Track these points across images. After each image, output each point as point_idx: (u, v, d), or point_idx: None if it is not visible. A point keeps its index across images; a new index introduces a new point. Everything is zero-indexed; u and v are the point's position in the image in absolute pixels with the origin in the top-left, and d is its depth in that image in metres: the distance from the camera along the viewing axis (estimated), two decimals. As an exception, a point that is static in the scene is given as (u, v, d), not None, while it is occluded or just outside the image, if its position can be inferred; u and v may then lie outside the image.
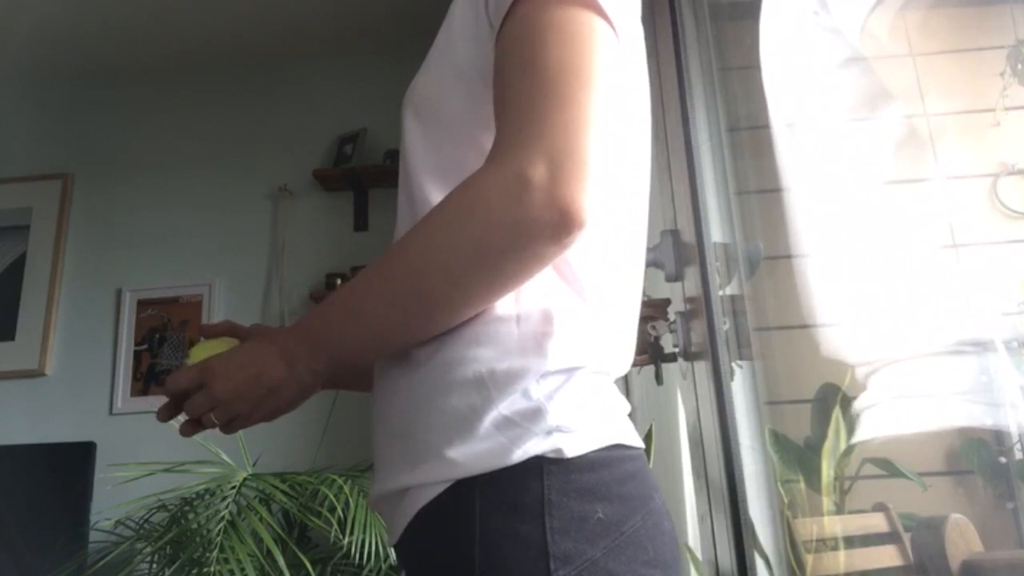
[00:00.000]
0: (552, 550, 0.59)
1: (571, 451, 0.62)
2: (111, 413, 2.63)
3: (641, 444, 0.70)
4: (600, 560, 0.60)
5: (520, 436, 0.62)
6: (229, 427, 0.75)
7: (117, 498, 2.13)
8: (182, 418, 0.77)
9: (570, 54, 0.63)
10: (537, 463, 0.61)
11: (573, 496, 0.61)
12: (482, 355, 0.65)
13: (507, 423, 0.62)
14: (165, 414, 0.79)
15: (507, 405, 0.63)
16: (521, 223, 0.59)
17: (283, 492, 1.97)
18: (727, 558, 1.25)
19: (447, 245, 0.62)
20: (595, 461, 0.63)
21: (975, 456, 1.36)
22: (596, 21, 0.66)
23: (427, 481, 0.63)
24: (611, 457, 0.65)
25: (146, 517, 2.17)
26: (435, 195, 0.71)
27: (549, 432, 0.62)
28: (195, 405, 0.74)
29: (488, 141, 0.66)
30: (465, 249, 0.62)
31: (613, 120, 0.66)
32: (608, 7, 0.67)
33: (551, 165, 0.59)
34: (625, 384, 1.97)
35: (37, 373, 2.67)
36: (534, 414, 0.63)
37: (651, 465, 1.54)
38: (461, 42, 0.75)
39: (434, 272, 0.63)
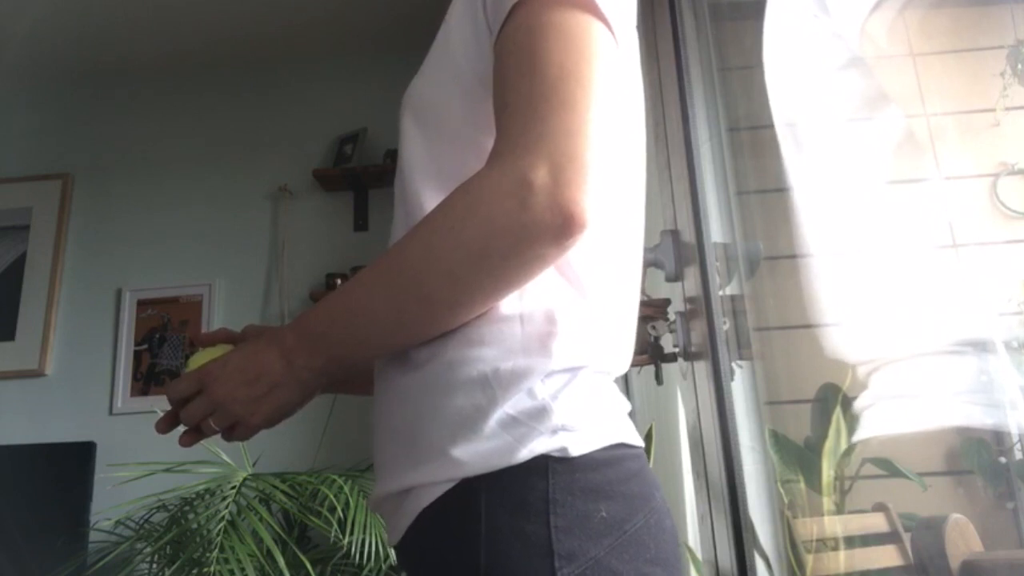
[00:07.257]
0: (557, 548, 0.59)
1: (576, 450, 0.62)
2: (111, 413, 2.63)
3: (642, 443, 0.71)
4: (603, 558, 0.60)
5: (526, 435, 0.62)
6: (231, 433, 0.74)
7: (117, 498, 2.13)
8: (183, 427, 0.77)
9: (570, 57, 0.63)
10: (542, 462, 0.62)
11: (577, 495, 0.61)
12: (486, 355, 0.65)
13: (513, 422, 0.63)
14: (164, 425, 0.78)
15: (512, 404, 0.63)
16: (524, 226, 0.60)
17: (283, 492, 1.97)
18: (727, 558, 1.25)
19: (449, 248, 0.62)
20: (599, 460, 0.64)
21: (975, 456, 1.36)
22: (595, 24, 0.66)
23: (432, 480, 0.63)
24: (614, 456, 0.65)
25: (146, 517, 2.16)
26: (428, 198, 0.71)
27: (555, 431, 0.63)
28: (193, 410, 0.73)
29: (488, 143, 0.66)
30: (467, 252, 0.61)
31: (612, 122, 0.66)
32: (607, 10, 0.67)
33: (553, 169, 0.59)
34: (625, 384, 1.96)
35: (37, 373, 2.67)
36: (540, 413, 0.63)
37: (651, 465, 1.55)
38: (459, 45, 0.74)
39: (436, 275, 0.63)
